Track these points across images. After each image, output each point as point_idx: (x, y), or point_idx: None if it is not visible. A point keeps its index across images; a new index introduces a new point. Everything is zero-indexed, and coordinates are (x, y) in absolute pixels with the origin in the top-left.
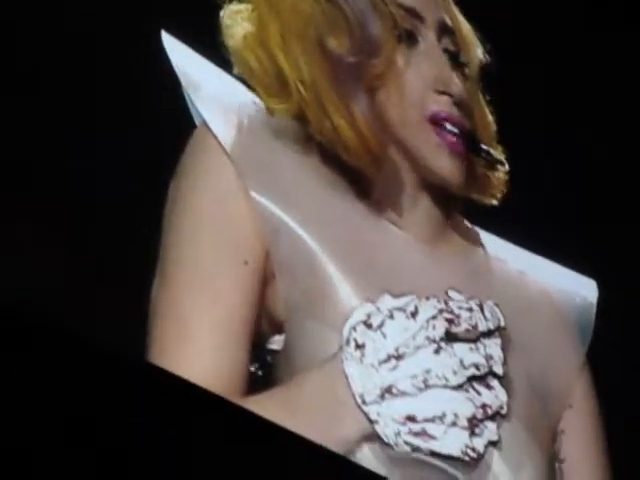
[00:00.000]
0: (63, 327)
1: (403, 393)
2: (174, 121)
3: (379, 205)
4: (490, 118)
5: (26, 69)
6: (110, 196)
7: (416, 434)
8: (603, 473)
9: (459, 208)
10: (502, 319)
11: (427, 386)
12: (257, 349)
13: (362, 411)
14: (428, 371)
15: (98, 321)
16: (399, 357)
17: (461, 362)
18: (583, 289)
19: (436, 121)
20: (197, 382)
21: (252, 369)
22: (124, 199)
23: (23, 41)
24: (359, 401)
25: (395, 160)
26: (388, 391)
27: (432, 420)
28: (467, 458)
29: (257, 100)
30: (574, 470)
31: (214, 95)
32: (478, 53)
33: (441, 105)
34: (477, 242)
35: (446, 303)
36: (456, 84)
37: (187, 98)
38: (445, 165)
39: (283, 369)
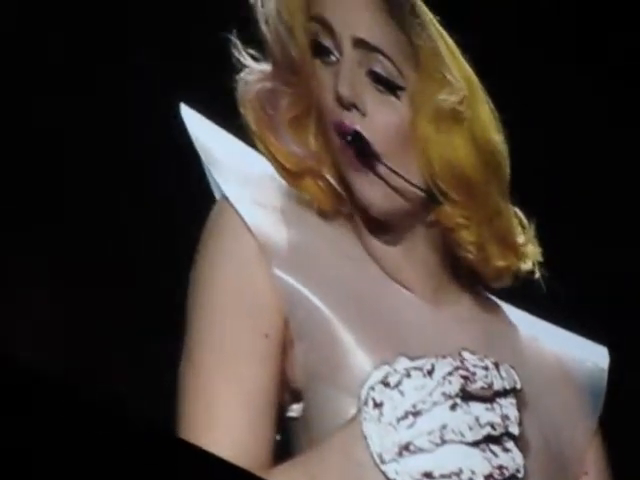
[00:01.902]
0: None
1: (420, 449)
2: (193, 194)
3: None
4: (442, 151)
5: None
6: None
7: None
8: None
9: (466, 272)
10: (518, 380)
11: (443, 441)
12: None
13: (380, 470)
14: (444, 426)
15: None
16: (416, 414)
17: (477, 420)
18: (594, 355)
19: (339, 132)
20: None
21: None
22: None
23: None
24: (377, 461)
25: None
26: (406, 448)
27: (449, 476)
28: None
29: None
30: None
31: (233, 168)
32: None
33: (342, 117)
34: (489, 306)
35: (462, 362)
36: (361, 101)
37: (207, 172)
38: (356, 182)
39: (302, 436)
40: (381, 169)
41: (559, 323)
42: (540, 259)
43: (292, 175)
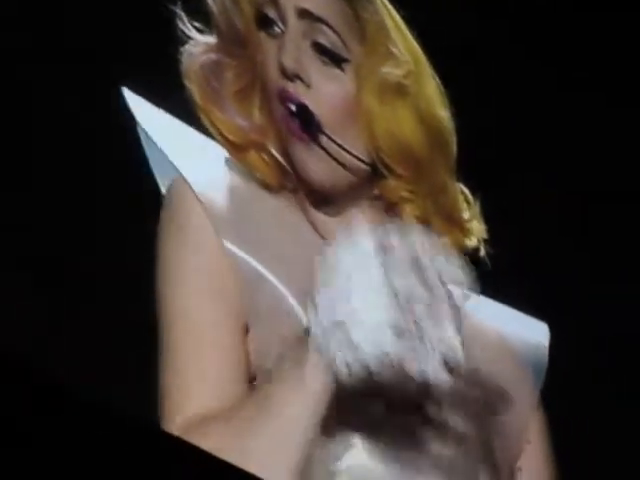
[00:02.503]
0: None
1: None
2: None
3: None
4: (387, 125)
5: None
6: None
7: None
8: None
9: None
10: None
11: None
12: None
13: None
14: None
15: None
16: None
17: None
18: (535, 332)
19: (282, 101)
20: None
21: None
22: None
23: None
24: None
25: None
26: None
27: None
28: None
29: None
30: None
31: (181, 146)
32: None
33: (285, 85)
34: None
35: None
36: (305, 72)
37: (151, 153)
38: (300, 155)
39: None
40: (325, 142)
41: (499, 298)
42: (485, 236)
43: (236, 148)
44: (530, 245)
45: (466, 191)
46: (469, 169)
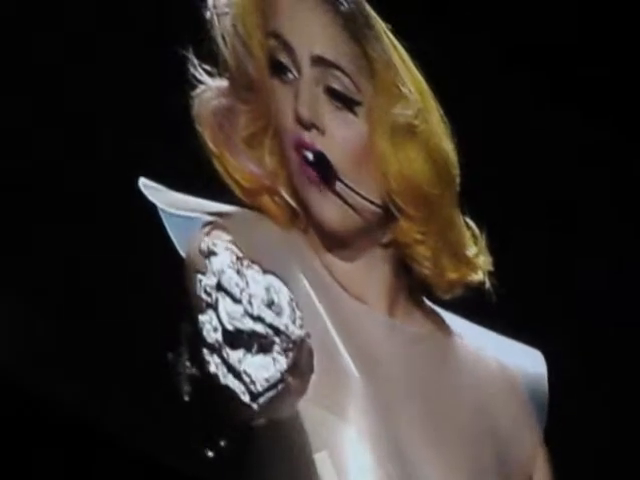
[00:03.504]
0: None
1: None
2: None
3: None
4: (398, 167)
5: None
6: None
7: None
8: None
9: (417, 285)
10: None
11: None
12: None
13: None
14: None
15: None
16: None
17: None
18: (531, 360)
19: (299, 149)
20: None
21: None
22: None
23: None
24: None
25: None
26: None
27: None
28: None
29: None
30: None
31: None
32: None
33: (301, 134)
34: (436, 319)
35: None
36: (320, 120)
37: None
38: (315, 201)
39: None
40: (340, 188)
41: (491, 327)
42: (490, 268)
43: (248, 193)
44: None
45: (472, 225)
46: (473, 201)
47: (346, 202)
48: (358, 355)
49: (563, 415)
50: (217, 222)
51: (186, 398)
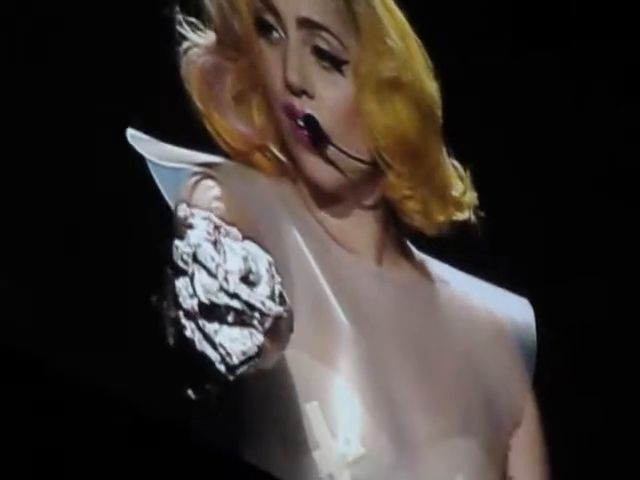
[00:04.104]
0: None
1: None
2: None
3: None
4: (385, 122)
5: None
6: None
7: None
8: None
9: (406, 233)
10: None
11: None
12: None
13: None
14: None
15: None
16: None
17: None
18: (519, 309)
19: (290, 115)
20: None
21: None
22: None
23: None
24: None
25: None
26: None
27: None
28: None
29: None
30: None
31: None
32: (377, 48)
33: (291, 100)
34: (423, 266)
35: None
36: (310, 85)
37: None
38: (307, 161)
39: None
40: (330, 149)
41: (479, 274)
42: (476, 203)
43: (238, 153)
44: (507, 219)
45: (457, 164)
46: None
47: (339, 163)
48: (348, 304)
49: (551, 364)
50: (205, 172)
51: (170, 341)
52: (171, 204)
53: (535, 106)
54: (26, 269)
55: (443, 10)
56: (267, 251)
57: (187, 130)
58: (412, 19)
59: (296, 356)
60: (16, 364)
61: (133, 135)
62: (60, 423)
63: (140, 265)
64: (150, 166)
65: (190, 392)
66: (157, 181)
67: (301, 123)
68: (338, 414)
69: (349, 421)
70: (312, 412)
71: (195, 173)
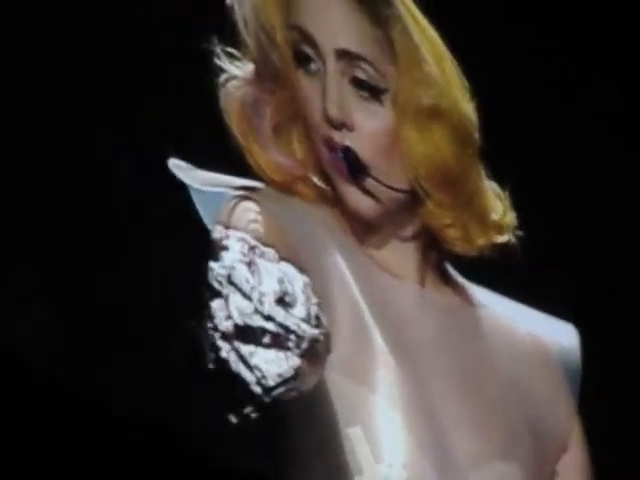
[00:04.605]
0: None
1: None
2: None
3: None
4: (424, 150)
5: None
6: None
7: None
8: None
9: (446, 258)
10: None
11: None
12: None
13: None
14: None
15: None
16: None
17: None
18: (564, 334)
19: (329, 148)
20: None
21: None
22: None
23: None
24: None
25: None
26: None
27: None
28: None
29: None
30: None
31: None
32: (417, 77)
33: (331, 134)
34: (466, 291)
35: None
36: (349, 117)
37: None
38: (346, 192)
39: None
40: (369, 180)
41: (521, 299)
42: (515, 223)
43: (280, 185)
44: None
45: (495, 186)
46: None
47: (375, 193)
48: (390, 327)
49: (596, 389)
50: (245, 195)
51: (210, 365)
52: (209, 227)
53: (574, 122)
54: (65, 287)
55: (475, 24)
56: (306, 273)
57: (228, 162)
58: (444, 35)
59: (337, 379)
60: (52, 393)
61: (175, 164)
62: (102, 452)
63: (182, 288)
64: (191, 192)
65: (231, 416)
66: (197, 206)
67: (340, 155)
68: (381, 438)
69: (392, 445)
70: (355, 437)
71: (235, 197)
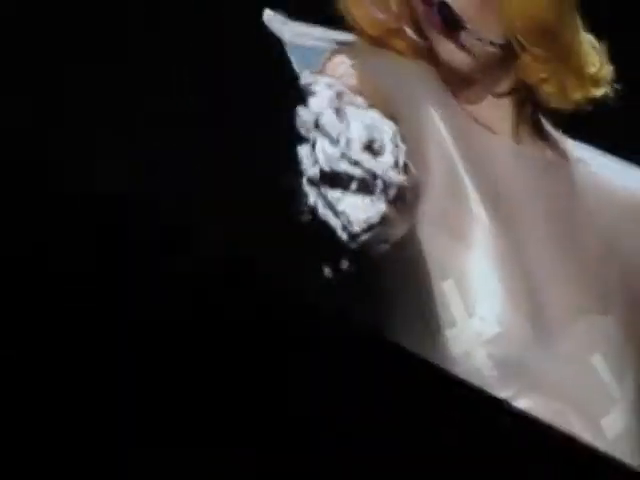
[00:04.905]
0: None
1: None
2: None
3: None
4: (520, 2)
5: None
6: None
7: None
8: None
9: (542, 112)
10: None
11: None
12: None
13: None
14: None
15: None
16: None
17: None
18: None
19: (424, 1)
20: None
21: None
22: None
23: None
24: None
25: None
26: None
27: None
28: None
29: None
30: None
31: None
32: None
33: None
34: (561, 146)
35: None
36: None
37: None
38: (441, 46)
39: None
40: (464, 34)
41: (619, 154)
42: (612, 77)
43: (375, 40)
44: None
45: (592, 39)
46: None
47: (470, 47)
48: (484, 180)
49: None
50: (341, 49)
51: (305, 218)
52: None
53: None
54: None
55: None
56: (398, 122)
57: (322, 16)
58: None
59: (430, 232)
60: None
61: (269, 16)
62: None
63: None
64: (287, 48)
65: (326, 270)
66: (293, 61)
67: (435, 8)
68: (474, 292)
69: (485, 299)
70: (448, 290)
71: (328, 50)
